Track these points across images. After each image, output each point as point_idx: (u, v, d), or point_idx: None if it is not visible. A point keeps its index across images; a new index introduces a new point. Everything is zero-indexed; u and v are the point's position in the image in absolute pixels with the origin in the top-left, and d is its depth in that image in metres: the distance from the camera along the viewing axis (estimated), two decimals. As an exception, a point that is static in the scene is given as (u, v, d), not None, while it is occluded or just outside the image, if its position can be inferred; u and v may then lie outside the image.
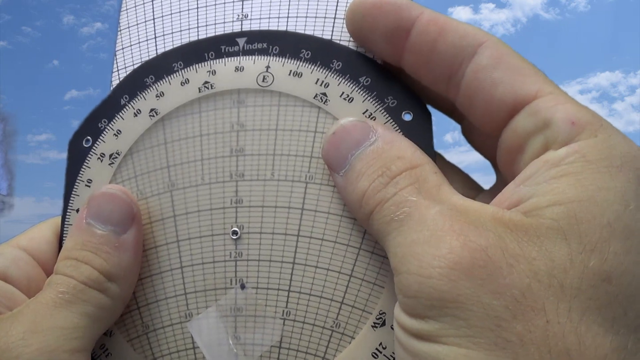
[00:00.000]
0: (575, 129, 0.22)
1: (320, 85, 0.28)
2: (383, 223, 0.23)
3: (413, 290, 0.21)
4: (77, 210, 0.29)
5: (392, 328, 0.26)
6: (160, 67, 0.29)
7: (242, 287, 0.27)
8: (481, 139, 0.29)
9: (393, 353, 0.25)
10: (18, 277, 0.28)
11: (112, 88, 0.30)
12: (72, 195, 0.29)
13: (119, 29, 0.31)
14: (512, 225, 0.21)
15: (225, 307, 0.27)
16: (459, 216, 0.22)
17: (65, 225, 0.29)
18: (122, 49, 0.31)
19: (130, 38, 0.31)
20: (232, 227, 0.27)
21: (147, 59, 0.30)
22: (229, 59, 0.29)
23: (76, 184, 0.29)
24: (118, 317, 0.28)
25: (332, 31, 0.29)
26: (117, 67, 0.30)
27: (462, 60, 0.25)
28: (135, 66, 0.30)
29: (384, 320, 0.26)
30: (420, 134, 0.27)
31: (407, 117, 0.27)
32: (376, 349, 0.26)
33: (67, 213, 0.29)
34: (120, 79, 0.30)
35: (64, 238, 0.29)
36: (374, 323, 0.26)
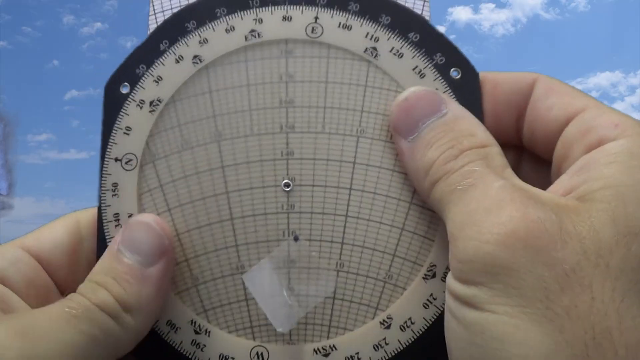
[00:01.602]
0: (618, 130, 0.24)
1: (370, 39, 0.28)
2: (446, 192, 0.24)
3: (469, 255, 0.22)
4: (116, 160, 0.28)
5: (443, 280, 0.27)
6: (202, 12, 0.28)
7: (296, 239, 0.27)
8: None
9: (443, 304, 0.26)
10: (16, 280, 0.26)
11: (148, 32, 0.29)
12: (109, 144, 0.28)
13: (155, -30, 0.29)
14: (568, 208, 0.22)
15: (278, 259, 0.27)
16: (521, 192, 0.23)
17: (103, 175, 0.28)
18: (159, -9, 0.29)
19: (168, -20, 0.29)
20: (283, 179, 0.27)
21: (186, 3, 0.29)
22: (275, 7, 0.28)
23: (114, 131, 0.28)
24: (128, 350, 0.26)
25: (381, -16, 0.29)
26: (154, 10, 0.29)
27: (524, 99, 0.28)
28: (174, 10, 0.29)
29: (434, 272, 0.27)
30: (469, 92, 0.28)
31: (455, 74, 0.28)
32: (427, 299, 0.27)
33: (105, 162, 0.28)
34: (158, 23, 0.29)
35: (102, 196, 0.28)
36: (425, 275, 0.27)
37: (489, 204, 0.23)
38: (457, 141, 0.25)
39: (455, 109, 0.26)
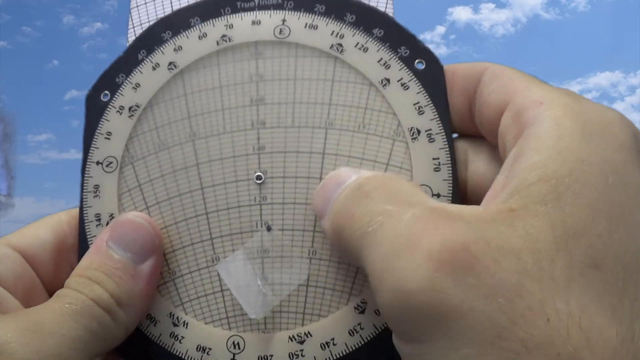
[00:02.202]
0: (543, 107, 0.22)
1: (336, 36, 0.29)
2: (355, 238, 0.22)
3: (398, 311, 0.20)
4: (97, 163, 0.29)
5: None
6: (177, 22, 0.30)
7: (269, 229, 0.28)
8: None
9: None
10: (6, 275, 0.27)
11: (128, 44, 0.31)
12: (91, 148, 0.29)
13: (133, -13, 0.32)
14: (496, 215, 0.20)
15: (252, 249, 0.28)
16: (435, 215, 0.21)
17: (85, 178, 0.29)
18: (137, 6, 0.31)
19: (145, -5, 0.31)
20: (255, 173, 0.28)
21: (162, 15, 0.31)
22: (245, 13, 0.30)
23: (95, 136, 0.29)
24: (118, 343, 0.26)
25: (345, -15, 0.30)
26: (133, 24, 0.31)
27: (474, 86, 0.27)
28: (151, 22, 0.31)
29: None
30: (434, 83, 0.28)
31: (420, 66, 0.29)
32: (401, 283, 0.27)
33: (87, 165, 0.29)
34: (137, 35, 0.31)
35: (84, 198, 0.29)
36: None
37: (402, 243, 0.20)
38: (358, 185, 0.24)
39: (365, 172, 0.25)
